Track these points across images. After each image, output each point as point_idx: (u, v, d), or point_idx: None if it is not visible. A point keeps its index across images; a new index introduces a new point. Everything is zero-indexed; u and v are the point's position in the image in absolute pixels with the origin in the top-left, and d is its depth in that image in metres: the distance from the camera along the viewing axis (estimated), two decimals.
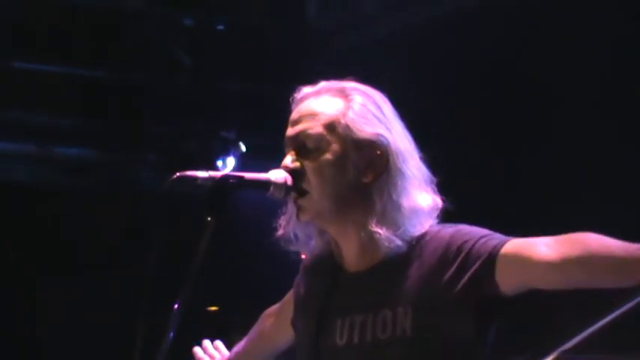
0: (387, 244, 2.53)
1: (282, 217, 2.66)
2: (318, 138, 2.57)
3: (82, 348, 6.91)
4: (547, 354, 1.91)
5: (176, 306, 2.40)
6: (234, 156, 6.95)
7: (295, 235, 2.66)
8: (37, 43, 6.45)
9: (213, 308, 6.92)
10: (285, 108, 2.71)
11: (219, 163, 6.96)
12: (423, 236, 2.57)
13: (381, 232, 2.52)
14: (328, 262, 2.69)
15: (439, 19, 6.06)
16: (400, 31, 6.28)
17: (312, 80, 2.72)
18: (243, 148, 6.91)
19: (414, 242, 2.56)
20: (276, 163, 2.62)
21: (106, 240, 7.05)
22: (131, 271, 7.01)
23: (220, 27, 6.81)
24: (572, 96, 5.57)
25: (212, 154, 6.98)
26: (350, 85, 2.64)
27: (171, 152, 7.09)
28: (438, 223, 2.62)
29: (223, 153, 6.97)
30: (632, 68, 5.25)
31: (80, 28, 6.54)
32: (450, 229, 2.56)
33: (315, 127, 2.57)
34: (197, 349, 3.05)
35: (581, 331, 1.96)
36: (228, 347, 3.05)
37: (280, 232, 2.66)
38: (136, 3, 6.76)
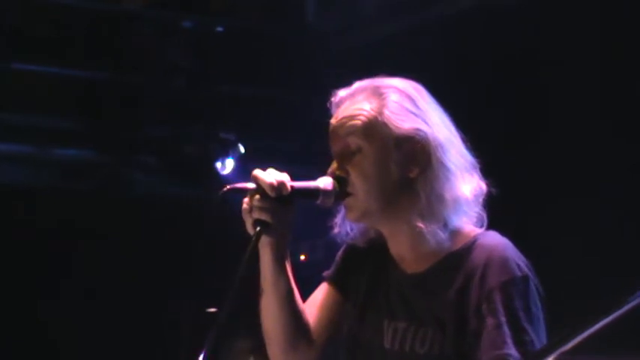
0: (430, 237, 2.55)
1: (337, 216, 2.68)
2: (358, 142, 2.59)
3: (81, 348, 6.92)
4: (546, 355, 1.91)
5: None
6: (233, 158, 6.93)
7: (351, 229, 2.69)
8: (35, 45, 6.45)
9: (213, 310, 6.90)
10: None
11: (219, 165, 6.95)
12: (472, 242, 2.58)
13: (423, 226, 2.54)
14: (381, 251, 2.69)
15: (438, 21, 6.07)
16: (399, 32, 6.29)
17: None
18: (242, 149, 6.89)
19: (463, 246, 2.58)
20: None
21: (104, 242, 7.04)
22: (130, 273, 7.04)
23: (219, 29, 6.80)
24: (572, 95, 5.58)
25: (211, 156, 6.97)
26: (383, 82, 2.66)
27: (169, 154, 7.09)
28: (488, 223, 2.62)
29: (222, 155, 6.96)
30: (632, 66, 5.26)
31: (78, 29, 6.55)
32: (490, 249, 2.55)
33: (355, 132, 2.59)
34: None
35: (580, 332, 1.96)
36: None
37: (336, 230, 2.67)
38: (135, 5, 6.76)
